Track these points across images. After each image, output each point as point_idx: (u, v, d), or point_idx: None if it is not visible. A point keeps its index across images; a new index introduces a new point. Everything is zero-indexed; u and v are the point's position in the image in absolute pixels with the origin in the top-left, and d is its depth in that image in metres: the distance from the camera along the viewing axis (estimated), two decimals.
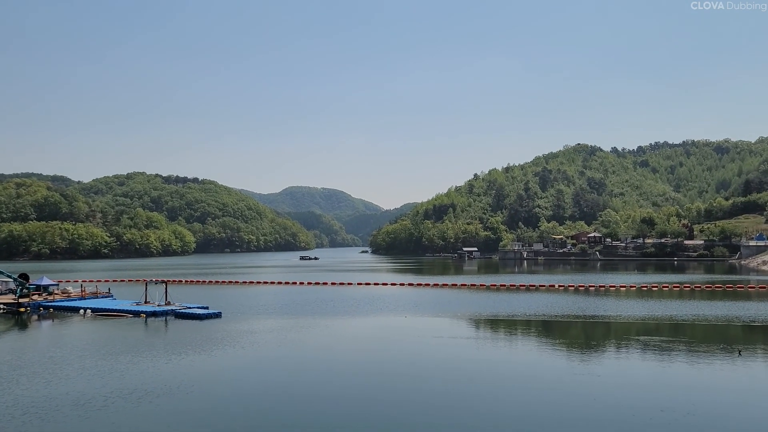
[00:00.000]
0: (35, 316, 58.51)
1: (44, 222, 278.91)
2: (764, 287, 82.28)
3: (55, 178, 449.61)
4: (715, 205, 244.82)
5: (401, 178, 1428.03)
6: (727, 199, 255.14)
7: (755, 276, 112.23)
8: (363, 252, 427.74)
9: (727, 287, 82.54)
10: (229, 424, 23.19)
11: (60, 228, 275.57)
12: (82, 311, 59.74)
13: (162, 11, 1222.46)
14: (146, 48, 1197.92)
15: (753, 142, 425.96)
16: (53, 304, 63.56)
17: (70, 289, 73.07)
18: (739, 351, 37.14)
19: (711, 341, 41.88)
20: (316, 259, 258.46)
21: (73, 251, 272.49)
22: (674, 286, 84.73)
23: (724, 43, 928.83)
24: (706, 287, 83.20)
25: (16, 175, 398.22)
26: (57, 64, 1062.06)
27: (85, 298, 68.03)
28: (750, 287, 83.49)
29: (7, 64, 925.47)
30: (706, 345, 40.09)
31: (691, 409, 24.27)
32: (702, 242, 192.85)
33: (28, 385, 29.11)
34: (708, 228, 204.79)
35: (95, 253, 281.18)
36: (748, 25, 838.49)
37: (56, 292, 69.85)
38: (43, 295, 67.14)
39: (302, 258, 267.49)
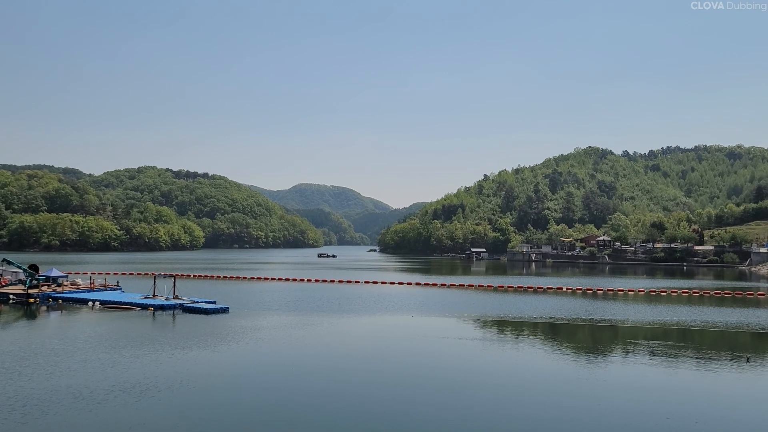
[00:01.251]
0: (44, 307, 58.97)
1: (55, 214, 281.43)
2: None
3: (66, 171, 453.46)
4: (726, 210, 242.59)
5: (411, 177, 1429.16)
6: (738, 205, 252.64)
7: (765, 283, 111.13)
8: (371, 251, 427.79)
9: (737, 294, 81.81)
10: (232, 420, 23.13)
11: (70, 220, 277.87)
12: (90, 303, 60.14)
13: (174, 7, 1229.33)
14: (159, 44, 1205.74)
15: (766, 148, 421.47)
16: (62, 295, 63.99)
17: (79, 281, 73.58)
18: (748, 358, 36.80)
19: (719, 348, 41.48)
20: (333, 256, 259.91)
21: (82, 243, 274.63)
22: (683, 292, 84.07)
23: (727, 45, 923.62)
24: (716, 293, 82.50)
25: (28, 167, 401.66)
26: (71, 58, 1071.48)
27: (93, 291, 68.48)
28: (760, 294, 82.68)
29: (21, 58, 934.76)
30: (714, 352, 39.70)
31: (698, 417, 24.00)
32: (712, 248, 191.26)
33: (31, 377, 29.21)
34: (718, 234, 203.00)
35: (105, 246, 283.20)
36: (749, 25, 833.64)
37: (65, 283, 70.34)
38: (52, 286, 67.62)
39: (320, 255, 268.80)
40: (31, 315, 54.36)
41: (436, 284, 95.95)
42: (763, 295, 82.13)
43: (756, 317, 57.45)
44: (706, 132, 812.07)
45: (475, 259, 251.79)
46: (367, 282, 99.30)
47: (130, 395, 25.91)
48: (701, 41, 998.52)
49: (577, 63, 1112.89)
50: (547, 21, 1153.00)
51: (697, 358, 36.94)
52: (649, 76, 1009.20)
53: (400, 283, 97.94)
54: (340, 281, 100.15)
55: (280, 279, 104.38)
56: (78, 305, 60.39)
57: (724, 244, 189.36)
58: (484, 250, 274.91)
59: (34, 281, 66.04)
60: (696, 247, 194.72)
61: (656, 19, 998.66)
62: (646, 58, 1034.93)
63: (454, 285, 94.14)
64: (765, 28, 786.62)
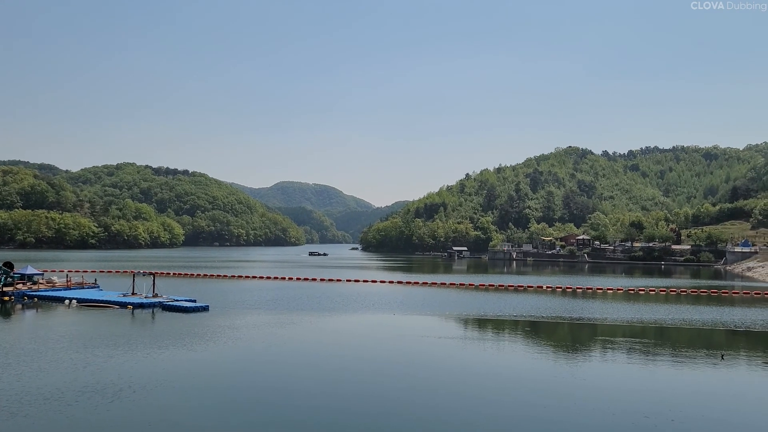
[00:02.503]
0: (19, 306, 57.84)
1: (30, 210, 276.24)
2: (748, 293, 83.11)
3: (42, 167, 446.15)
4: (702, 210, 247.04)
5: (393, 175, 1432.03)
6: (714, 205, 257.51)
7: (739, 282, 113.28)
8: (353, 249, 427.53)
9: (712, 292, 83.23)
10: (209, 421, 22.78)
11: (46, 217, 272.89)
12: (67, 301, 59.08)
13: (159, 6, 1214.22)
14: (141, 41, 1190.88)
15: (741, 149, 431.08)
16: (38, 293, 62.82)
17: (55, 278, 72.28)
18: (722, 355, 37.49)
19: (696, 346, 42.15)
20: (325, 255, 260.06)
21: (59, 241, 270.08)
22: (661, 290, 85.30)
23: (723, 45, 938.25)
24: (692, 292, 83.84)
25: (3, 163, 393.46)
26: (48, 53, 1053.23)
27: (70, 289, 67.34)
28: (734, 293, 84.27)
29: None
30: (690, 349, 40.32)
31: (675, 415, 24.27)
32: (689, 247, 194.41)
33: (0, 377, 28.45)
34: (695, 233, 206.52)
35: (82, 244, 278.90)
36: (749, 25, 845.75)
37: (41, 281, 69.08)
38: (28, 284, 66.37)
39: (311, 254, 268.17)
40: (5, 313, 53.24)
41: (417, 282, 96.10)
42: (738, 293, 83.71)
43: (731, 315, 58.50)
44: (684, 132, 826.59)
45: (456, 257, 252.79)
46: (349, 280, 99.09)
47: (103, 396, 25.29)
48: (697, 41, 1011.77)
49: (559, 62, 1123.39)
50: (532, 19, 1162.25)
51: (673, 356, 37.47)
52: (629, 76, 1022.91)
53: (381, 282, 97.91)
54: (321, 279, 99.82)
55: (261, 277, 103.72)
56: (54, 303, 59.31)
57: (701, 243, 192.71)
58: (465, 248, 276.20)
59: (9, 279, 64.76)
60: (673, 247, 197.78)
61: (653, 19, 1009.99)
62: (627, 58, 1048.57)
63: (435, 283, 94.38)
64: (765, 28, 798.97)
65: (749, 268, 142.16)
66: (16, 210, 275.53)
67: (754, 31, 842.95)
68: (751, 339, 45.91)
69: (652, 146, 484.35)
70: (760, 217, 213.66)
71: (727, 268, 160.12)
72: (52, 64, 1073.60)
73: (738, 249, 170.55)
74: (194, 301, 59.42)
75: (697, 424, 23.63)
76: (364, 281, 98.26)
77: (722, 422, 24.15)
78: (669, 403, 26.13)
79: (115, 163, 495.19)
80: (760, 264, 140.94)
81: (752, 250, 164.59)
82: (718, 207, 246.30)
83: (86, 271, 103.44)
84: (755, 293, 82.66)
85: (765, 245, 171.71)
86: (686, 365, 34.82)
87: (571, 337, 46.32)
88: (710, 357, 37.22)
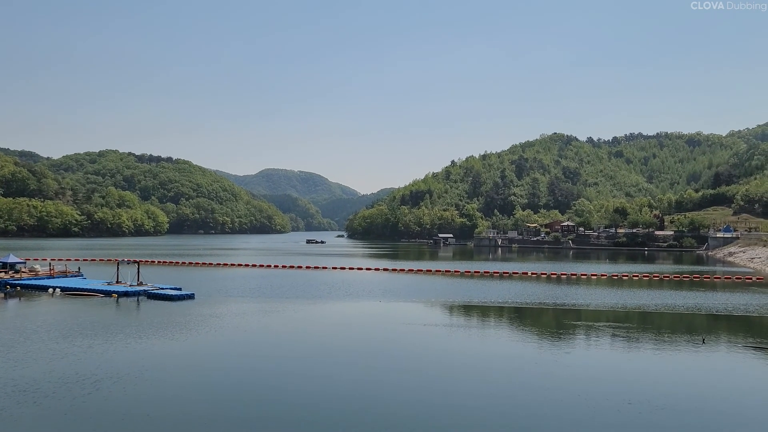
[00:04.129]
0: (1, 295, 57.08)
1: (11, 198, 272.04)
2: (729, 278, 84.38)
3: (22, 154, 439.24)
4: (685, 196, 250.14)
5: (379, 162, 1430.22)
6: (697, 191, 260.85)
7: (721, 267, 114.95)
8: (339, 236, 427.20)
9: (694, 277, 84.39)
10: (190, 411, 22.54)
11: (28, 205, 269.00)
12: (50, 290, 58.40)
13: None
14: (122, 26, 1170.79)
15: (724, 135, 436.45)
16: (20, 282, 61.98)
17: (37, 267, 71.31)
18: (703, 339, 38.11)
19: (677, 330, 42.72)
20: (322, 242, 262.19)
21: (41, 229, 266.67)
22: (644, 276, 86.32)
23: (709, 36, 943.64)
24: (674, 277, 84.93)
25: None
26: (27, 36, 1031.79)
27: (53, 277, 66.52)
28: (716, 278, 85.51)
29: None
30: (672, 334, 40.83)
31: (657, 400, 24.47)
32: (672, 233, 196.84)
33: None
34: (678, 219, 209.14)
35: (65, 232, 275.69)
36: (749, 24, 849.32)
37: (23, 270, 68.16)
38: (10, 273, 65.47)
39: (309, 241, 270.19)
40: None
41: (403, 270, 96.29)
42: (719, 278, 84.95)
43: (712, 300, 59.38)
44: (668, 119, 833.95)
45: (442, 244, 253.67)
46: (335, 268, 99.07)
47: (82, 387, 24.85)
48: (694, 39, 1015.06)
49: (544, 50, 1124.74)
50: (519, 7, 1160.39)
51: (656, 341, 37.91)
52: (614, 64, 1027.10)
53: (367, 269, 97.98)
54: (307, 267, 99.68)
55: (247, 265, 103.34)
56: (37, 292, 58.62)
57: (684, 229, 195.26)
58: (451, 235, 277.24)
59: None
60: (657, 232, 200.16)
61: (652, 17, 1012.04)
62: (612, 47, 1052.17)
63: (421, 270, 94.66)
64: (750, 22, 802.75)
65: (731, 254, 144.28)
66: None
67: (741, 25, 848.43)
68: (732, 323, 46.64)
69: (636, 133, 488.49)
70: (742, 203, 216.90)
71: (710, 253, 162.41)
72: (31, 47, 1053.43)
73: (720, 234, 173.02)
74: (179, 289, 59.01)
75: (679, 408, 23.87)
76: (350, 269, 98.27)
77: (704, 406, 24.40)
78: (651, 388, 26.40)
79: (97, 150, 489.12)
80: (742, 249, 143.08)
81: (734, 236, 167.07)
82: (700, 193, 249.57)
83: (69, 260, 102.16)
84: (736, 278, 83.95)
85: (746, 230, 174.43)
86: (668, 350, 35.26)
87: (555, 322, 46.67)
88: (692, 341, 37.77)
